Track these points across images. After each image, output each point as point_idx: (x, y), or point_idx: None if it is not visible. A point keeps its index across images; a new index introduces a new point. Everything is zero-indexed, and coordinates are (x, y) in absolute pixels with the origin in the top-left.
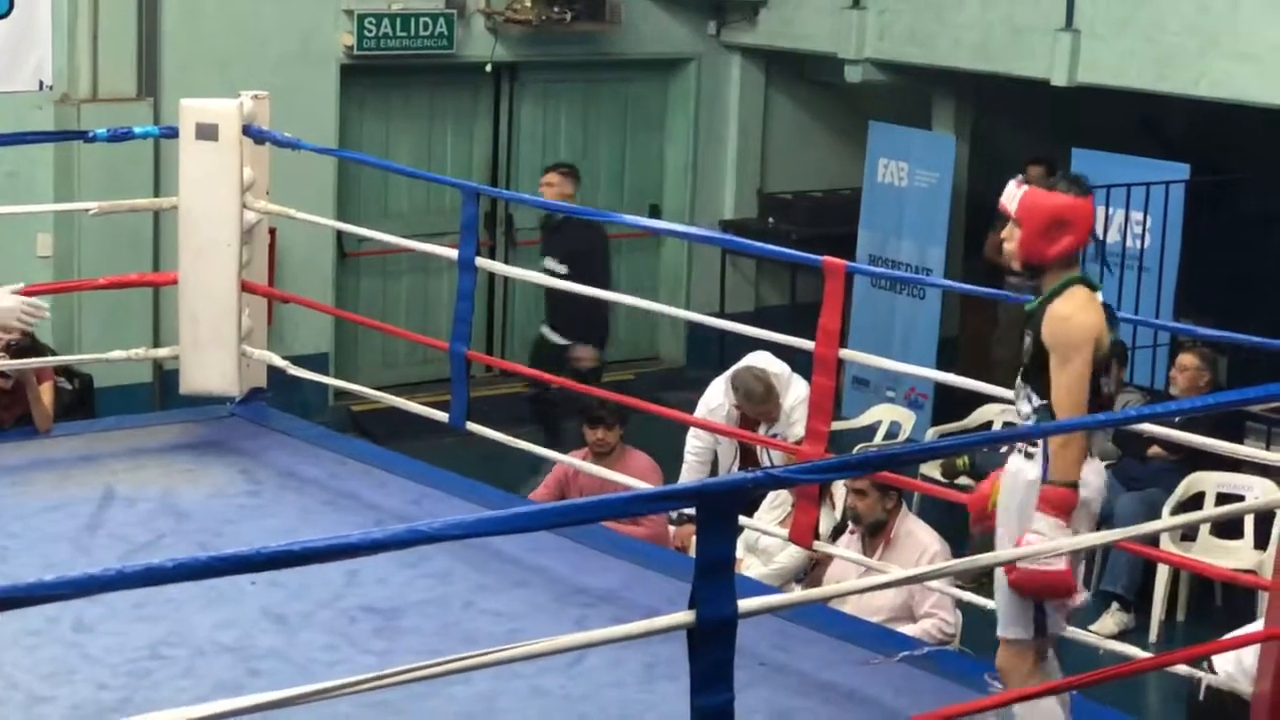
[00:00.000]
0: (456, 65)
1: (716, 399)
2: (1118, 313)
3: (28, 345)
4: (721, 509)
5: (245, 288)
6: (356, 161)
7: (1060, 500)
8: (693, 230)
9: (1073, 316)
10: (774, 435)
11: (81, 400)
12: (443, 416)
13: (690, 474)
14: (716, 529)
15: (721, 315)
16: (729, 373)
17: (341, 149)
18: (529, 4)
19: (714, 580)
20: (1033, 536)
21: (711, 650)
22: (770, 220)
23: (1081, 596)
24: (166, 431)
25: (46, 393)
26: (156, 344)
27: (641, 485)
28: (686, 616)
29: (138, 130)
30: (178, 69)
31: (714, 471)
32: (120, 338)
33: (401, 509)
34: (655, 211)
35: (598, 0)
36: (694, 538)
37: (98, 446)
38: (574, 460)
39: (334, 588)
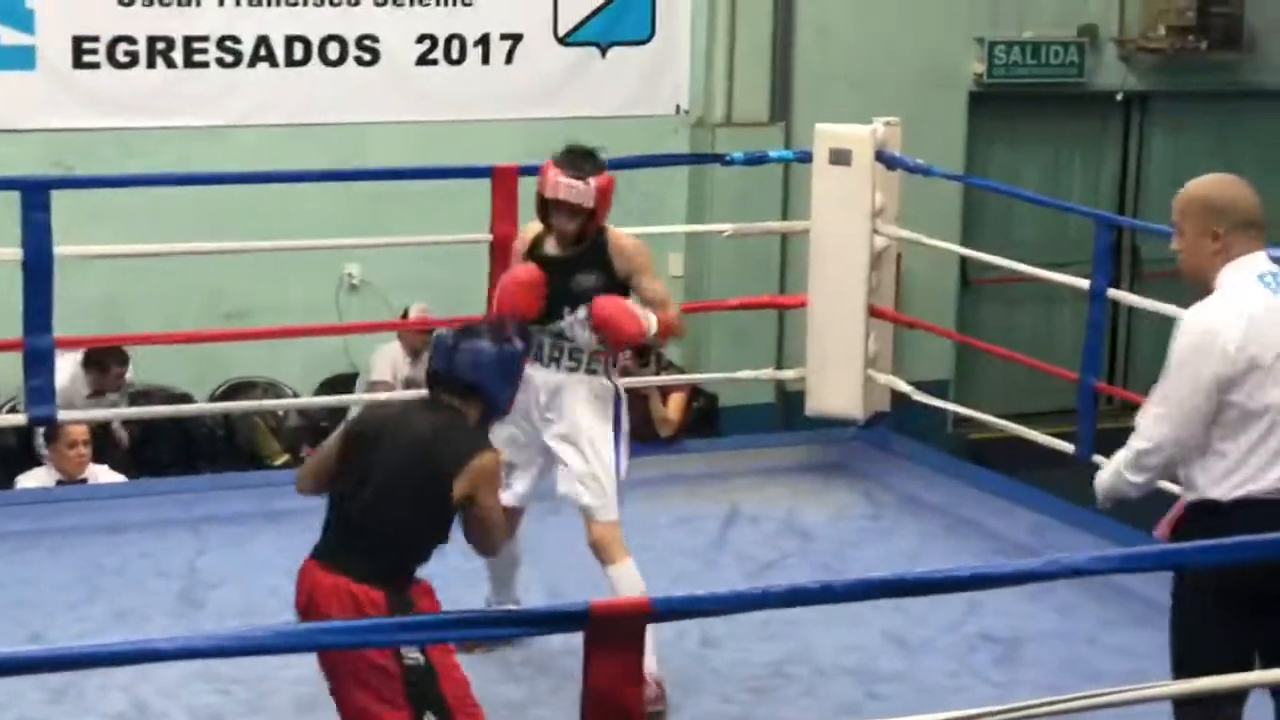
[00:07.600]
0: (1086, 94)
1: None
2: None
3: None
4: None
5: (873, 312)
6: (984, 189)
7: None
8: None
9: None
10: None
11: (706, 417)
12: (1068, 448)
13: None
14: None
15: None
16: None
17: (968, 176)
18: (1163, 32)
19: None
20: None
21: None
22: None
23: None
24: (791, 452)
25: (675, 403)
26: (779, 365)
27: None
28: None
29: (772, 154)
30: (808, 93)
31: None
32: (745, 358)
33: (1022, 539)
34: None
35: (1234, 28)
36: None
37: (723, 464)
38: None
39: (956, 613)
